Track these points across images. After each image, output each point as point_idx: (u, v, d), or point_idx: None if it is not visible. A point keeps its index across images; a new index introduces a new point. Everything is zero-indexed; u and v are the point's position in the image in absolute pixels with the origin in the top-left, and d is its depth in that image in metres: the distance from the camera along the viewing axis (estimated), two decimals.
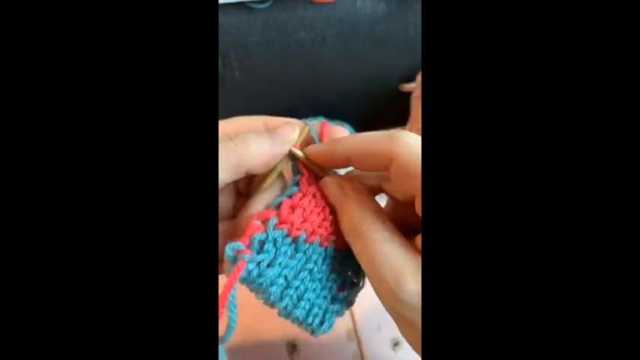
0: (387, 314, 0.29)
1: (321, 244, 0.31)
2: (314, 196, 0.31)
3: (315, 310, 0.30)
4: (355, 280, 0.33)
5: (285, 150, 0.31)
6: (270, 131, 0.30)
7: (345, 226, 0.30)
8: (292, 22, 0.79)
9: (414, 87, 0.78)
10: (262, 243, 0.28)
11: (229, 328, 0.25)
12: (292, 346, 0.51)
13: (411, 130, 0.45)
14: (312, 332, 0.31)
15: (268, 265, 0.28)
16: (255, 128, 0.31)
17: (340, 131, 0.33)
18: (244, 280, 0.28)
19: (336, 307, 0.31)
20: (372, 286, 0.28)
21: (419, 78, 0.78)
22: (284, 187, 0.32)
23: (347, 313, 0.37)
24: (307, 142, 0.33)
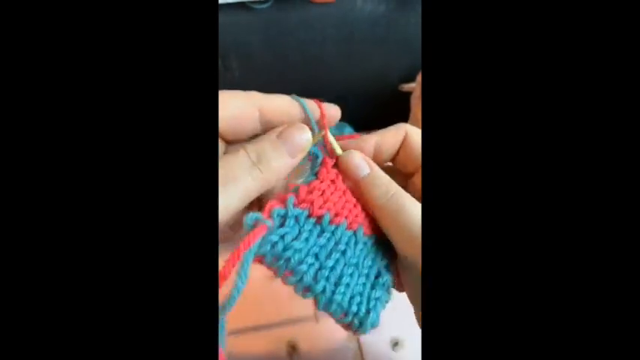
0: (388, 314, 0.29)
1: (348, 227, 0.28)
2: (332, 181, 0.29)
3: (358, 298, 0.27)
4: (387, 266, 0.30)
5: (302, 156, 0.30)
6: (282, 138, 0.29)
7: (377, 191, 0.29)
8: (292, 22, 0.79)
9: (414, 87, 0.78)
10: (283, 218, 0.26)
11: (232, 296, 0.22)
12: (292, 347, 0.51)
13: None
14: (360, 326, 0.27)
15: (293, 240, 0.25)
16: (251, 119, 0.30)
17: (331, 107, 0.33)
18: (269, 256, 0.25)
19: (377, 293, 0.28)
20: (402, 240, 0.28)
21: (419, 78, 0.78)
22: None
23: None
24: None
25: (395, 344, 0.50)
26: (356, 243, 0.29)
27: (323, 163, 0.30)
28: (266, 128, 0.30)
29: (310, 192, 0.28)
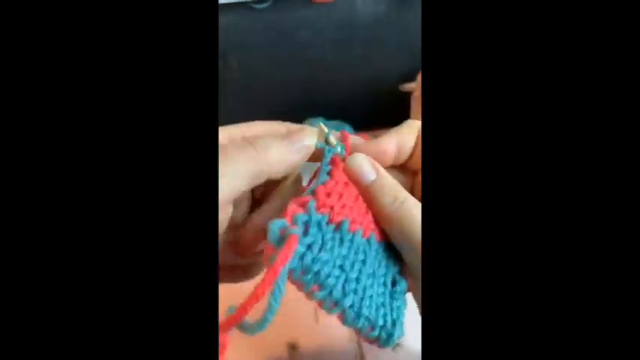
0: None
1: (363, 234, 0.27)
2: (346, 184, 0.27)
3: (382, 310, 0.25)
4: (400, 272, 0.29)
5: (305, 155, 0.29)
6: (289, 136, 0.29)
7: (384, 199, 0.28)
8: (292, 22, 0.79)
9: (414, 87, 0.78)
10: (306, 225, 0.23)
11: (265, 319, 0.20)
12: (292, 347, 0.51)
13: None
14: (387, 339, 0.25)
15: (319, 250, 0.23)
16: (276, 132, 0.30)
17: (359, 140, 0.32)
18: (298, 270, 0.22)
19: (397, 302, 0.27)
20: (410, 252, 0.27)
21: (419, 78, 0.77)
22: (296, 195, 0.29)
23: None
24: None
25: (395, 345, 0.50)
26: (370, 251, 0.27)
27: (333, 163, 0.28)
28: None
29: (329, 194, 0.25)
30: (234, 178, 0.26)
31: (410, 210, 0.27)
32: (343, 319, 0.24)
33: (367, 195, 0.29)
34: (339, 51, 0.86)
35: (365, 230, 0.27)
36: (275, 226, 0.22)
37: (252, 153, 0.27)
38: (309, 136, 0.29)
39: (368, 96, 0.94)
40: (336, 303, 0.23)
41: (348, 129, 0.91)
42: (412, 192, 0.30)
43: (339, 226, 0.25)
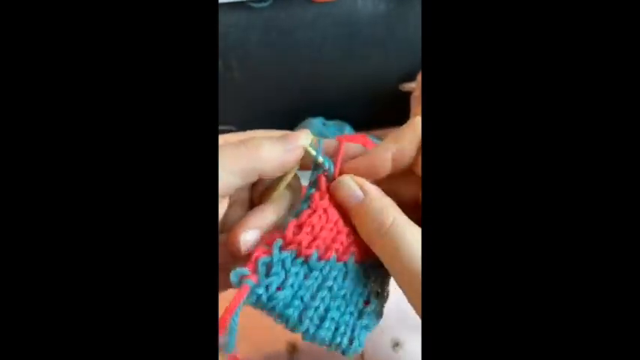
0: (388, 315, 0.29)
1: (338, 260, 0.29)
2: (325, 211, 0.29)
3: (342, 328, 0.28)
4: (379, 290, 0.31)
5: (297, 155, 0.29)
6: (282, 137, 0.29)
7: (370, 225, 0.27)
8: (292, 22, 0.79)
9: (414, 87, 0.78)
10: (269, 266, 0.27)
11: (226, 345, 0.25)
12: (292, 347, 0.51)
13: None
14: (344, 353, 0.29)
15: (278, 289, 0.27)
16: (272, 135, 0.30)
17: (356, 148, 0.31)
18: (255, 306, 0.27)
19: (364, 321, 0.29)
20: (403, 280, 0.26)
21: (419, 78, 0.77)
22: (291, 200, 0.31)
23: None
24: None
25: (395, 345, 0.50)
26: (346, 273, 0.29)
27: (317, 184, 0.30)
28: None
29: (300, 228, 0.28)
30: (226, 173, 0.27)
31: (400, 234, 0.26)
32: (302, 338, 0.28)
33: (354, 217, 0.29)
34: (339, 50, 0.86)
35: (342, 254, 0.29)
36: (235, 274, 0.26)
37: (243, 150, 0.27)
38: (302, 137, 0.29)
39: (368, 96, 0.94)
40: (293, 329, 0.27)
41: (348, 129, 0.91)
42: (418, 200, 0.29)
43: (307, 259, 0.28)
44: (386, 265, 0.28)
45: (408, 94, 0.82)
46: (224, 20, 0.74)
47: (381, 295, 0.31)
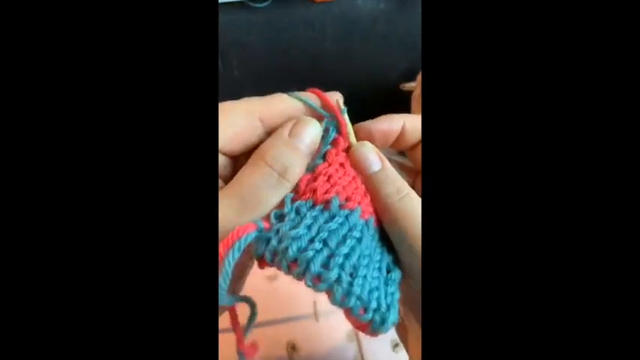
0: None
1: (362, 215, 0.26)
2: (342, 165, 0.27)
3: (376, 293, 0.23)
4: (394, 261, 0.27)
5: (312, 151, 0.29)
6: (295, 136, 0.28)
7: (388, 189, 0.27)
8: (292, 21, 0.79)
9: (415, 86, 0.78)
10: (281, 216, 0.24)
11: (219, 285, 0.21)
12: (292, 346, 0.51)
13: None
14: (382, 324, 0.23)
15: (292, 228, 0.23)
16: (254, 131, 0.29)
17: (332, 95, 0.31)
18: (268, 254, 0.22)
19: (391, 289, 0.25)
20: (417, 245, 0.26)
21: (419, 77, 0.77)
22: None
23: None
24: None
25: (395, 345, 0.50)
26: (368, 233, 0.26)
27: (335, 143, 0.28)
28: (271, 133, 0.29)
29: (314, 179, 0.26)
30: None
31: (411, 204, 0.27)
32: (331, 297, 0.22)
33: (370, 184, 0.28)
34: (338, 49, 0.86)
35: (364, 211, 0.26)
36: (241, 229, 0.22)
37: (285, 187, 0.26)
38: (311, 126, 0.28)
39: (368, 95, 0.94)
40: (319, 277, 0.22)
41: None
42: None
43: (327, 204, 0.24)
44: (399, 231, 0.27)
45: (408, 94, 0.82)
46: (224, 20, 0.74)
47: (398, 267, 0.27)
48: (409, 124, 0.31)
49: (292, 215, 0.24)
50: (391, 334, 0.51)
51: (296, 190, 0.25)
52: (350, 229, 0.24)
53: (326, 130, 0.29)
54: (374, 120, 0.31)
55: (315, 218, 0.24)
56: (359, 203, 0.26)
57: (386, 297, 0.24)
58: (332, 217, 0.24)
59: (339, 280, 0.21)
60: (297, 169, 0.27)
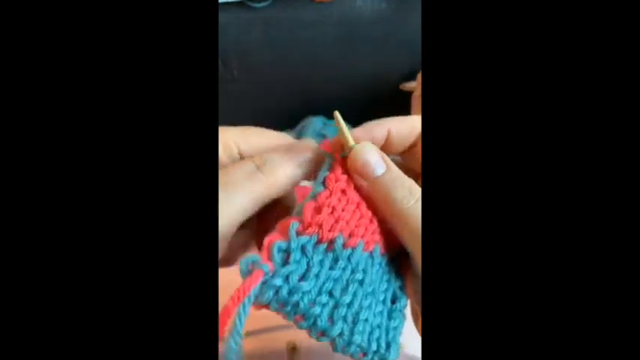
0: None
1: (365, 249, 0.25)
2: (343, 192, 0.25)
3: (377, 332, 0.23)
4: (401, 287, 0.27)
5: (307, 168, 0.28)
6: (290, 150, 0.28)
7: (397, 194, 0.25)
8: (292, 22, 0.79)
9: (415, 86, 0.78)
10: (286, 254, 0.22)
11: (227, 357, 0.20)
12: (292, 347, 0.51)
13: None
14: None
15: (300, 280, 0.22)
16: (274, 145, 0.28)
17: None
18: (274, 303, 0.22)
19: (395, 322, 0.25)
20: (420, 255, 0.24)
21: (419, 77, 0.77)
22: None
23: None
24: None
25: None
26: (372, 266, 0.25)
27: (332, 167, 0.26)
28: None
29: (318, 211, 0.24)
30: (245, 205, 0.25)
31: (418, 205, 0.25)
32: (333, 347, 0.23)
33: (376, 190, 0.26)
34: (338, 50, 0.86)
35: (367, 243, 0.25)
36: (245, 262, 0.22)
37: (260, 178, 0.26)
38: (310, 148, 0.28)
39: (368, 95, 0.94)
40: (324, 332, 0.22)
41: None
42: None
43: (331, 245, 0.23)
44: (402, 238, 0.25)
45: (408, 94, 0.82)
46: (224, 20, 0.74)
47: (403, 293, 0.27)
48: (395, 130, 0.29)
49: (298, 255, 0.23)
50: None
51: (300, 219, 0.24)
52: (352, 272, 0.24)
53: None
54: (357, 128, 0.29)
55: (322, 263, 0.23)
56: (362, 236, 0.25)
57: (387, 334, 0.24)
58: (335, 261, 0.24)
59: (341, 333, 0.22)
60: (278, 169, 0.26)
